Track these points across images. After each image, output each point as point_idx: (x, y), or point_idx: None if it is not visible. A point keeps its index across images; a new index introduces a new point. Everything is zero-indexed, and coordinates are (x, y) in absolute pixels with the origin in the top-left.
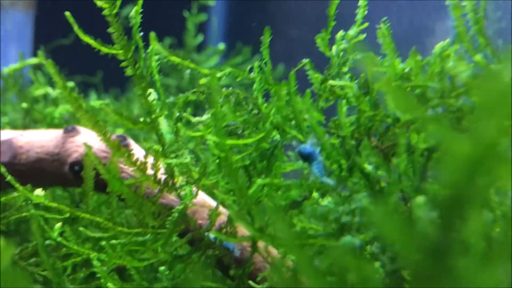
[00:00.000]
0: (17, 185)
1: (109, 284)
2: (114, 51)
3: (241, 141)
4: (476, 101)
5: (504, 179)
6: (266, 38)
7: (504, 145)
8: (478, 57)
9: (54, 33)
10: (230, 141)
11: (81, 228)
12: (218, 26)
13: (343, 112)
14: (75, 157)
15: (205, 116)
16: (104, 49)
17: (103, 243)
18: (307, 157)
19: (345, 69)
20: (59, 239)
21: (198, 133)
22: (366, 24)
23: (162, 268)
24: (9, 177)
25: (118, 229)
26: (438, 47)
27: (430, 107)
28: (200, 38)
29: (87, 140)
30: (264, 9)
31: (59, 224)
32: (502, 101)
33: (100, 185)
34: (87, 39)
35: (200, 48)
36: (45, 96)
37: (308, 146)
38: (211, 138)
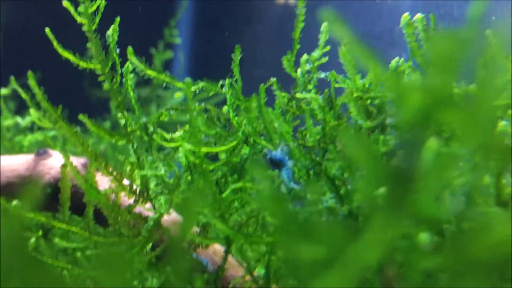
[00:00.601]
0: None
1: None
2: (92, 66)
3: (215, 149)
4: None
5: (449, 121)
6: (236, 56)
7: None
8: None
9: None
10: (204, 149)
11: (56, 240)
12: (184, 62)
13: (310, 123)
14: (46, 179)
15: (178, 133)
16: (83, 64)
17: (78, 254)
18: (277, 164)
19: (310, 86)
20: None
21: (174, 144)
22: (328, 48)
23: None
24: None
25: (94, 238)
26: (393, 62)
27: (389, 116)
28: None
29: (59, 162)
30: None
31: (33, 239)
32: (450, 58)
33: (74, 207)
34: (66, 54)
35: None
36: (16, 126)
37: (278, 153)
38: (186, 146)
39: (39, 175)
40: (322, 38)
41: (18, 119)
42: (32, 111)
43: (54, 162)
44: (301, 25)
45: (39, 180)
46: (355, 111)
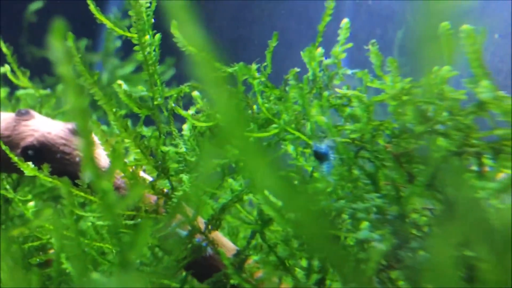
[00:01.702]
0: None
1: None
2: (128, 34)
3: (256, 134)
4: None
5: None
6: (272, 42)
7: None
8: (485, 83)
9: None
10: (247, 133)
11: (59, 206)
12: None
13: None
14: (29, 141)
15: (191, 111)
16: (119, 31)
17: (88, 224)
18: (321, 157)
19: (337, 82)
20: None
21: (211, 123)
22: (350, 44)
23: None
24: None
25: (114, 210)
26: (442, 70)
27: (437, 123)
28: (118, 43)
29: (43, 125)
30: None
31: (32, 203)
32: None
33: (59, 174)
34: (103, 18)
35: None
36: None
37: (323, 146)
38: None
39: (21, 137)
40: (343, 34)
41: None
42: (6, 66)
43: (37, 124)
44: (327, 18)
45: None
46: (411, 114)
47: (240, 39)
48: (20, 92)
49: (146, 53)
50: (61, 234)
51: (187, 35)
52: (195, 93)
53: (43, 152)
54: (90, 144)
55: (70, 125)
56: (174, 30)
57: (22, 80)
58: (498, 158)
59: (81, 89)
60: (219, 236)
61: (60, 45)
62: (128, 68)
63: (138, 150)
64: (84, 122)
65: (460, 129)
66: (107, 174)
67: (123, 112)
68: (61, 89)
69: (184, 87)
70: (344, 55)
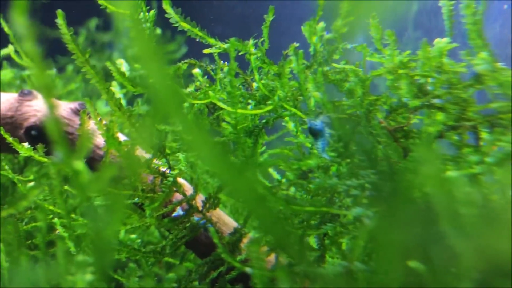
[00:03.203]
0: None
1: (72, 248)
2: (121, 10)
3: (250, 111)
4: None
5: None
6: (268, 17)
7: None
8: (483, 55)
9: None
10: (240, 110)
11: (66, 187)
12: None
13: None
14: (32, 121)
15: (189, 89)
16: (111, 8)
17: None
18: (316, 133)
19: (336, 56)
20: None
21: (207, 100)
22: (352, 17)
23: (133, 236)
24: None
25: (107, 189)
26: (439, 42)
27: (434, 97)
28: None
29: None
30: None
31: (31, 184)
32: None
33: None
34: None
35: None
36: None
37: (318, 122)
38: (223, 106)
39: (24, 117)
40: (344, 7)
41: None
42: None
43: (40, 104)
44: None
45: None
46: (405, 88)
47: (252, 16)
48: (25, 73)
49: (139, 29)
50: (47, 213)
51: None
52: (196, 71)
53: (46, 132)
54: (57, 121)
55: (72, 105)
56: (167, 6)
57: (26, 60)
58: (494, 131)
59: (45, 65)
60: (221, 214)
61: (22, 21)
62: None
63: (133, 129)
64: (49, 98)
65: (457, 102)
66: (79, 153)
67: (123, 91)
68: (71, 69)
69: (182, 65)
70: (344, 29)
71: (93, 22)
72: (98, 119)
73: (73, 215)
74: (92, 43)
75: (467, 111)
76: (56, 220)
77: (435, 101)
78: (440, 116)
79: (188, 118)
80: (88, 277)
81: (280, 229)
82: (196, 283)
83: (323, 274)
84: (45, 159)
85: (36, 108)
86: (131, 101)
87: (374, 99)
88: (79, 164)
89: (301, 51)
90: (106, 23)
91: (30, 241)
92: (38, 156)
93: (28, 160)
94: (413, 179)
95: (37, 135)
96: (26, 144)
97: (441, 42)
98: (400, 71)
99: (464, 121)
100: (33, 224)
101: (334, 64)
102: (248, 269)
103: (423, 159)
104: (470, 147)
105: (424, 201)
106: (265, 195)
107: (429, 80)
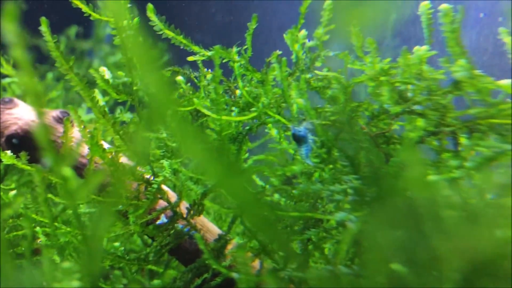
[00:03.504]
0: None
1: (55, 257)
2: (104, 18)
3: (235, 118)
4: None
5: None
6: (252, 25)
7: None
8: (461, 62)
9: None
10: (225, 117)
11: (50, 195)
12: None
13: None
14: (13, 129)
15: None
16: (95, 15)
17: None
18: (299, 139)
19: (318, 64)
20: (20, 209)
21: (191, 107)
22: (333, 26)
23: (116, 243)
24: None
25: (91, 197)
26: (419, 50)
27: (415, 103)
28: (109, 29)
29: (27, 113)
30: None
31: (13, 192)
32: None
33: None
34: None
35: (109, 39)
36: None
37: (302, 129)
38: (207, 113)
39: (5, 125)
40: (325, 15)
41: None
42: None
43: (21, 112)
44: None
45: (3, 131)
46: (387, 95)
47: (233, 23)
48: (5, 81)
49: (123, 36)
50: (31, 222)
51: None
52: (179, 78)
53: (27, 140)
54: (46, 128)
55: (54, 113)
56: (151, 14)
57: (6, 68)
58: (472, 137)
59: (34, 72)
60: (204, 221)
61: (12, 28)
62: (120, 55)
63: (117, 136)
64: (38, 105)
65: (437, 109)
66: (66, 160)
67: (106, 99)
68: (50, 77)
69: (165, 72)
70: (326, 37)
71: (73, 30)
72: (82, 126)
73: (56, 224)
74: (71, 50)
75: (447, 117)
76: (38, 228)
77: (416, 107)
78: (420, 122)
79: (185, 123)
80: (75, 283)
81: (272, 232)
82: None
83: (308, 278)
84: (28, 167)
85: (17, 116)
86: (111, 109)
87: (356, 105)
88: (67, 171)
89: (284, 58)
90: (86, 30)
91: (11, 250)
92: (21, 164)
93: (8, 168)
94: (395, 184)
95: (18, 143)
96: (8, 152)
97: (421, 50)
98: (382, 78)
99: (443, 126)
100: (15, 233)
101: (316, 72)
102: (234, 275)
103: (406, 163)
104: (449, 152)
105: (406, 205)
106: (254, 199)
107: (409, 87)
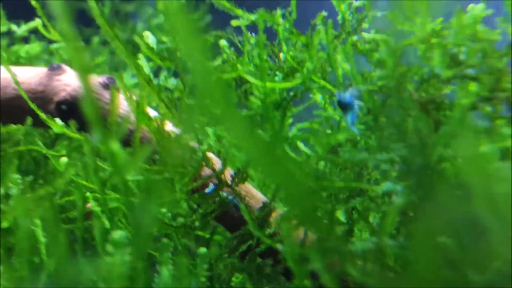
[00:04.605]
0: None
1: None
2: None
3: (280, 84)
4: None
5: None
6: None
7: None
8: None
9: None
10: (270, 84)
11: (100, 163)
12: None
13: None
14: (62, 96)
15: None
16: None
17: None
18: (345, 106)
19: (366, 25)
20: (70, 175)
21: (234, 74)
22: None
23: (164, 210)
24: None
25: (141, 165)
26: (474, 9)
27: (468, 67)
28: None
29: (74, 79)
30: None
31: (64, 158)
32: None
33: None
34: None
35: (152, 1)
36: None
37: (348, 95)
38: (251, 80)
39: (54, 91)
40: None
41: (13, 26)
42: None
43: (69, 78)
44: None
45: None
46: (438, 58)
47: None
48: (53, 46)
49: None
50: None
51: None
52: (222, 42)
53: (76, 107)
54: (93, 102)
55: (101, 79)
56: None
57: (53, 33)
58: None
59: (81, 44)
60: (249, 187)
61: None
62: (163, 17)
63: (162, 104)
64: (85, 78)
65: (492, 72)
66: (114, 134)
67: (150, 64)
68: (96, 41)
69: (209, 37)
70: None
71: None
72: (128, 95)
73: (105, 190)
74: (116, 13)
75: (502, 81)
76: (88, 194)
77: (469, 71)
78: (473, 87)
79: (218, 92)
80: (127, 258)
81: (310, 205)
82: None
83: (353, 250)
84: (78, 135)
85: (66, 82)
86: (155, 73)
87: (405, 70)
88: (115, 146)
89: (330, 20)
90: None
91: (64, 215)
92: (71, 133)
93: (58, 134)
94: (444, 153)
95: (67, 109)
96: (58, 120)
97: (476, 9)
98: (433, 40)
99: (498, 91)
100: (67, 198)
101: (363, 33)
102: (278, 246)
103: (457, 132)
104: (504, 119)
105: (455, 177)
106: (294, 171)
107: (463, 49)
